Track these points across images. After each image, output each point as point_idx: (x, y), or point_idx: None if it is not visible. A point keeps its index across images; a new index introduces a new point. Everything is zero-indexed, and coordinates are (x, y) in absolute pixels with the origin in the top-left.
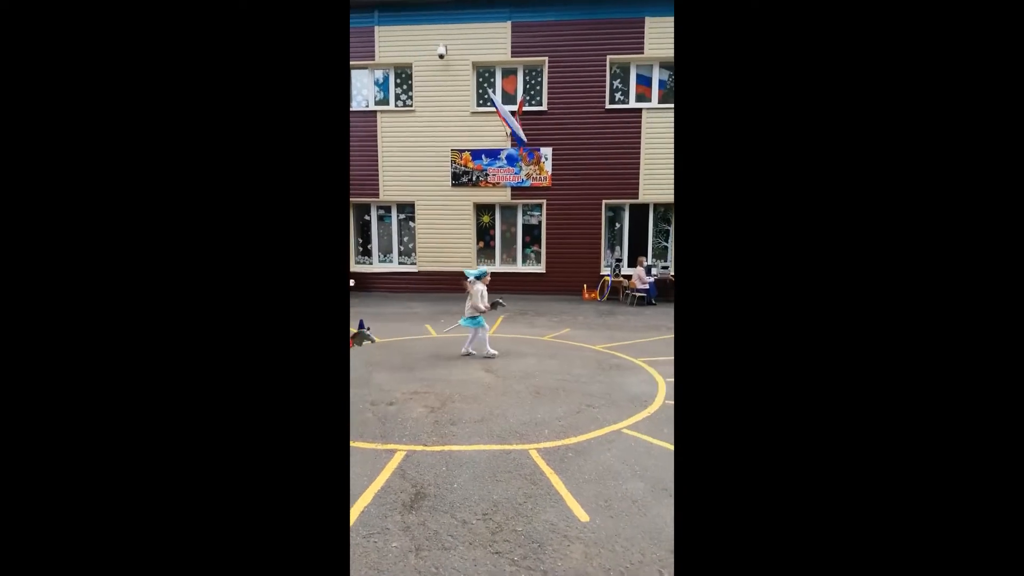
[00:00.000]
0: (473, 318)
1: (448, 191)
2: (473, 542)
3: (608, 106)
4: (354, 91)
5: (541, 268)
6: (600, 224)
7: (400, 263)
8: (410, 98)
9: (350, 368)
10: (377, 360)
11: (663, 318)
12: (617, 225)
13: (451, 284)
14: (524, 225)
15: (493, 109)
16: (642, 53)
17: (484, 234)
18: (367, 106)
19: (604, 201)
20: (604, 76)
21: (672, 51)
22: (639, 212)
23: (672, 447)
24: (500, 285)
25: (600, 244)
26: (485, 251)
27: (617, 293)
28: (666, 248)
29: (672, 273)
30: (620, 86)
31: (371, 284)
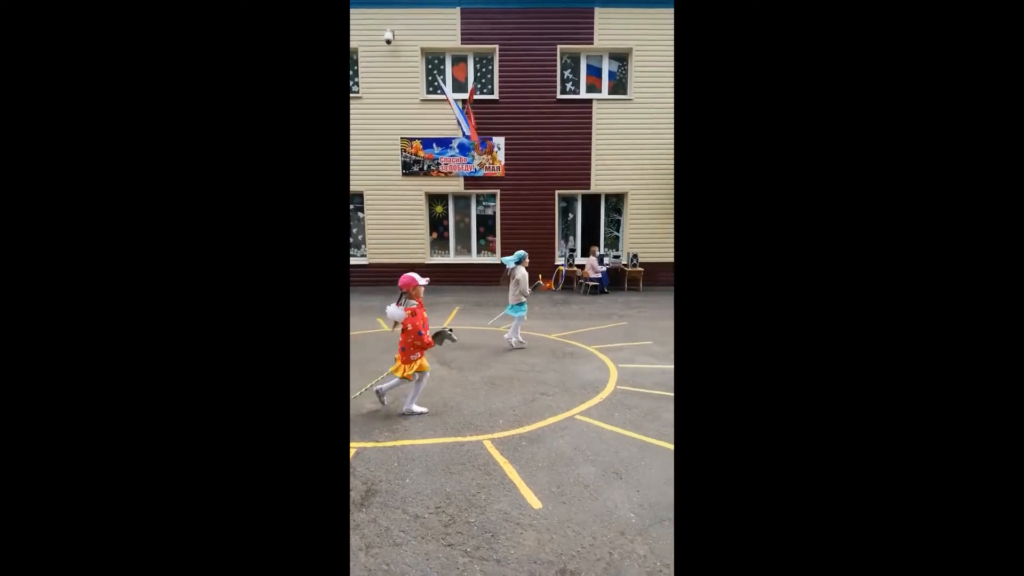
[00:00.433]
0: (519, 304)
1: (399, 181)
2: (425, 536)
3: (559, 96)
4: None
5: (495, 259)
6: (554, 214)
7: (350, 255)
8: (356, 84)
9: None
10: None
11: (615, 306)
12: (570, 215)
13: None
14: (478, 216)
15: (443, 97)
16: (592, 44)
17: (437, 225)
18: None
19: (557, 191)
20: (555, 66)
21: (621, 42)
22: (591, 202)
23: (623, 431)
24: (456, 277)
25: (554, 234)
26: (439, 242)
27: (571, 282)
28: (617, 238)
29: (623, 262)
30: (571, 76)
31: None
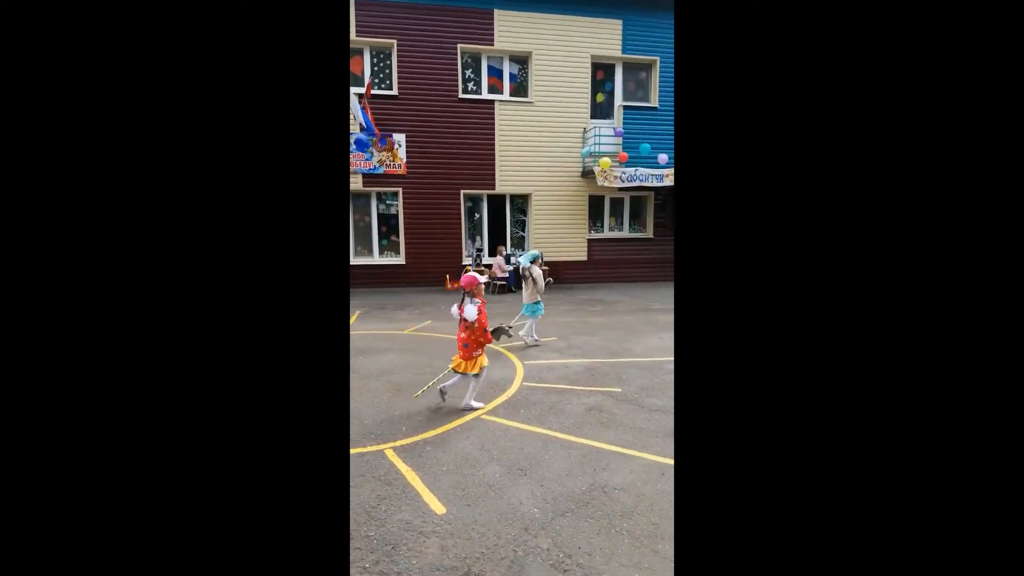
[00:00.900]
0: (536, 303)
1: None
2: None
3: (461, 95)
4: None
5: (401, 259)
6: (460, 214)
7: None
8: None
9: None
10: None
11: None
12: (476, 215)
13: None
14: (380, 215)
15: None
16: (492, 45)
17: None
18: None
19: (462, 191)
20: (456, 65)
21: (521, 46)
22: (497, 202)
23: (528, 427)
24: (356, 279)
25: (461, 234)
26: None
27: None
28: (523, 237)
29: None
30: (472, 76)
31: None
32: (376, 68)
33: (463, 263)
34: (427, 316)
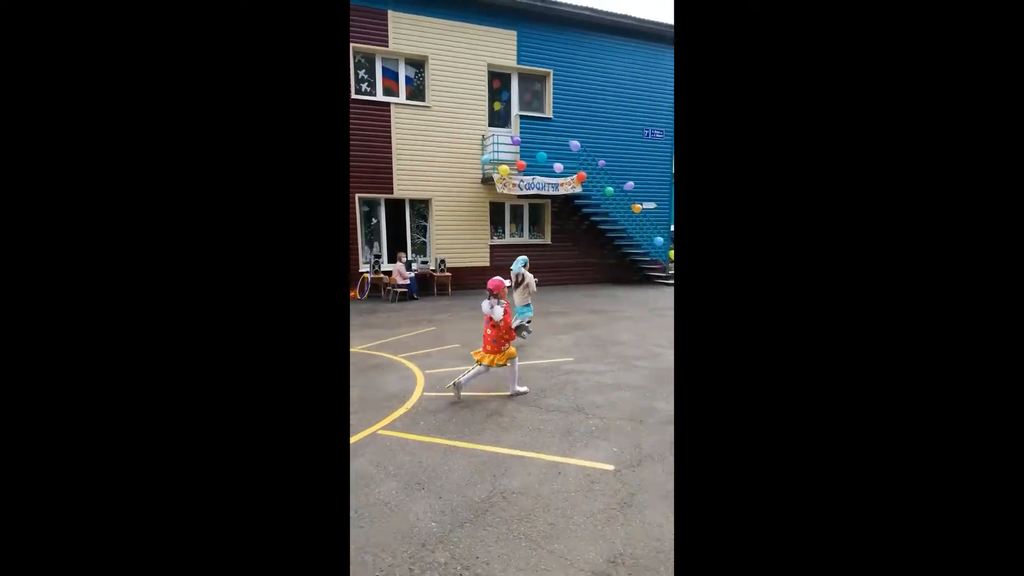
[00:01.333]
0: (526, 305)
1: None
2: None
3: (355, 96)
4: None
5: None
6: (356, 219)
7: None
8: None
9: None
10: None
11: (424, 312)
12: (374, 220)
13: None
14: None
15: None
16: (387, 46)
17: None
18: None
19: (358, 195)
20: (348, 64)
21: (417, 49)
22: (396, 208)
23: (427, 439)
24: None
25: (357, 240)
26: None
27: (378, 290)
28: (424, 243)
29: (432, 267)
30: (366, 76)
31: None
32: None
33: (360, 270)
34: None
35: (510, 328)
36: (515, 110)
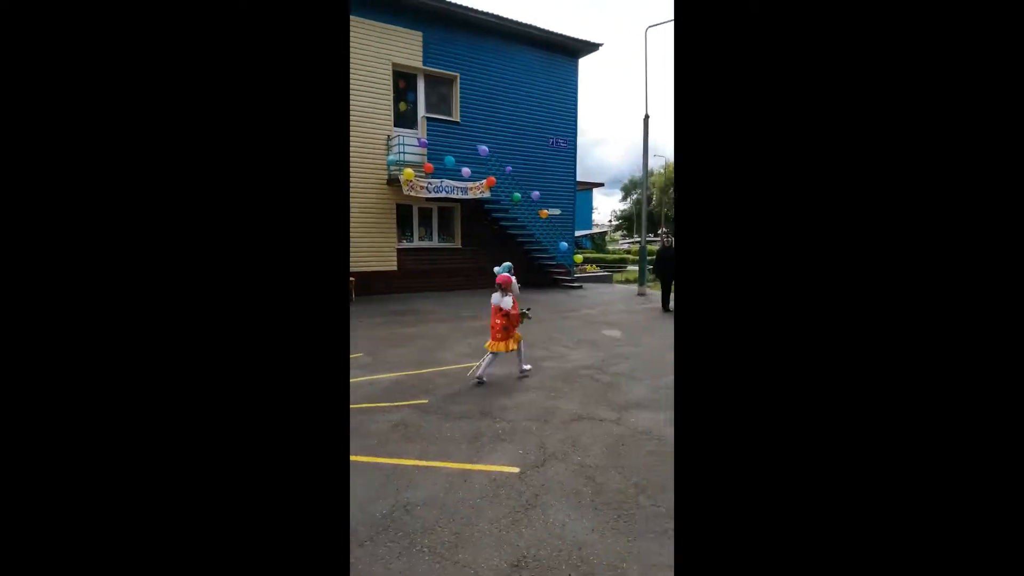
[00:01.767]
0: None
1: None
2: None
3: None
4: None
5: None
6: None
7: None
8: None
9: None
10: None
11: None
12: None
13: None
14: None
15: None
16: None
17: None
18: None
19: None
20: None
21: None
22: None
23: None
24: None
25: None
26: None
27: None
28: None
29: None
30: None
31: None
32: None
33: None
34: None
35: (517, 318)
36: (421, 111)
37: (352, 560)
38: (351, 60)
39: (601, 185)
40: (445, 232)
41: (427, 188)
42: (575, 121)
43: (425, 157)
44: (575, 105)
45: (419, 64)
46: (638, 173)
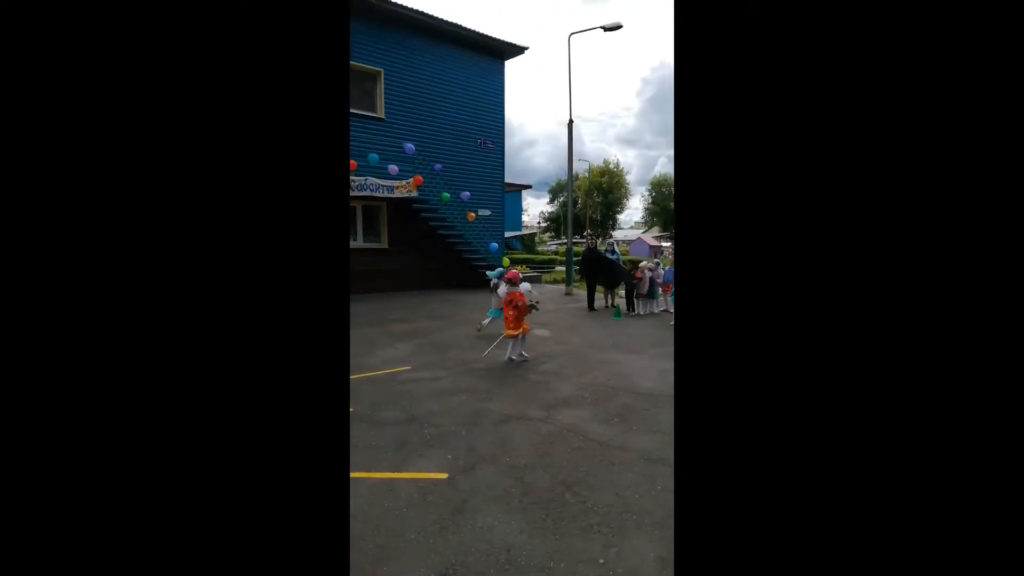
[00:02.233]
0: (500, 309)
1: None
2: None
3: None
4: None
5: None
6: None
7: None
8: None
9: None
10: None
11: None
12: None
13: None
14: None
15: None
16: None
17: None
18: None
19: None
20: None
21: None
22: None
23: None
24: None
25: None
26: None
27: None
28: None
29: None
30: None
31: None
32: None
33: None
34: None
35: (526, 308)
36: None
37: None
38: None
39: (530, 187)
40: (370, 232)
41: (350, 186)
42: (503, 122)
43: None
44: (502, 106)
45: None
46: (565, 176)
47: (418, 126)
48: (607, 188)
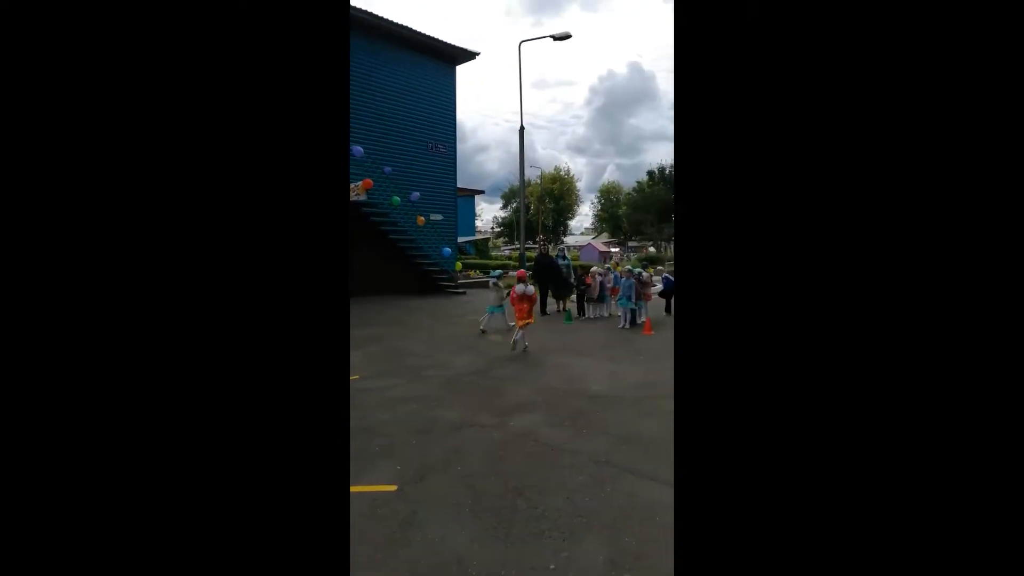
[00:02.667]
0: (499, 305)
1: None
2: None
3: None
4: None
5: None
6: None
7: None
8: None
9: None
10: None
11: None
12: None
13: None
14: None
15: None
16: None
17: None
18: None
19: None
20: None
21: None
22: None
23: None
24: None
25: None
26: None
27: None
28: None
29: None
30: None
31: None
32: None
33: None
34: None
35: (533, 303)
36: None
37: None
38: None
39: (482, 192)
40: None
41: None
42: (454, 126)
43: None
44: (454, 110)
45: None
46: (517, 181)
47: (368, 128)
48: (559, 195)
